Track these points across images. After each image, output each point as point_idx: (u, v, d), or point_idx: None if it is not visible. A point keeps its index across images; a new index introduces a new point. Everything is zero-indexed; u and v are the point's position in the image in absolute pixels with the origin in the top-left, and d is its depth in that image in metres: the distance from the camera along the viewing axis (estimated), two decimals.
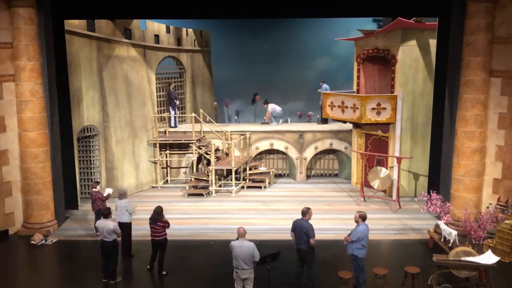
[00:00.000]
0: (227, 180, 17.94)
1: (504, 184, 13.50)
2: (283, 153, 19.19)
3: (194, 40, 21.72)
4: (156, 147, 18.61)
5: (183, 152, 19.04)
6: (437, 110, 14.86)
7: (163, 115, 19.36)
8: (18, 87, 13.36)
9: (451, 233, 11.54)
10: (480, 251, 10.94)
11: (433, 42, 15.34)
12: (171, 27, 20.11)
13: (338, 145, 18.90)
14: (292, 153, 18.95)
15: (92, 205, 13.43)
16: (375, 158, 16.84)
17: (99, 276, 11.20)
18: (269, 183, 18.40)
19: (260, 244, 12.00)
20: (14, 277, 11.57)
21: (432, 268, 10.64)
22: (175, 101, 18.91)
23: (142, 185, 17.97)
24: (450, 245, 11.41)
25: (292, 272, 10.78)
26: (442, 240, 11.87)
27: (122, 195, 12.51)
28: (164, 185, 18.72)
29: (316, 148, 18.89)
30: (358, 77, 17.57)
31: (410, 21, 15.54)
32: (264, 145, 18.98)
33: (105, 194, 13.29)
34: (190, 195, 17.33)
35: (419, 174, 16.70)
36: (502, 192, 13.41)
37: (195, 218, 14.95)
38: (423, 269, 10.59)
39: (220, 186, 17.66)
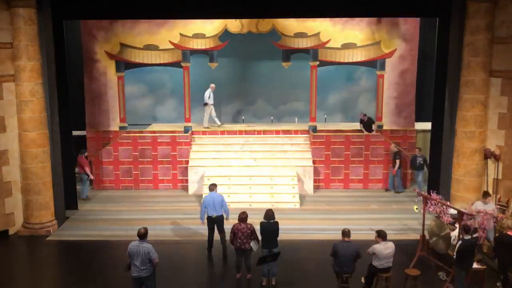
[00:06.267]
0: None
1: (504, 184, 13.50)
2: None
3: None
4: None
5: None
6: (437, 110, 14.87)
7: None
8: (18, 87, 13.36)
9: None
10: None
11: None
12: None
13: None
14: None
15: None
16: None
17: (99, 276, 11.19)
18: None
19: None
20: (14, 278, 11.57)
21: (433, 269, 10.66)
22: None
23: None
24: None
25: (292, 272, 10.80)
26: None
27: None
28: None
29: None
30: None
31: None
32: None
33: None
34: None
35: None
36: (502, 192, 13.42)
37: (195, 218, 14.92)
38: (424, 269, 10.59)
39: None
